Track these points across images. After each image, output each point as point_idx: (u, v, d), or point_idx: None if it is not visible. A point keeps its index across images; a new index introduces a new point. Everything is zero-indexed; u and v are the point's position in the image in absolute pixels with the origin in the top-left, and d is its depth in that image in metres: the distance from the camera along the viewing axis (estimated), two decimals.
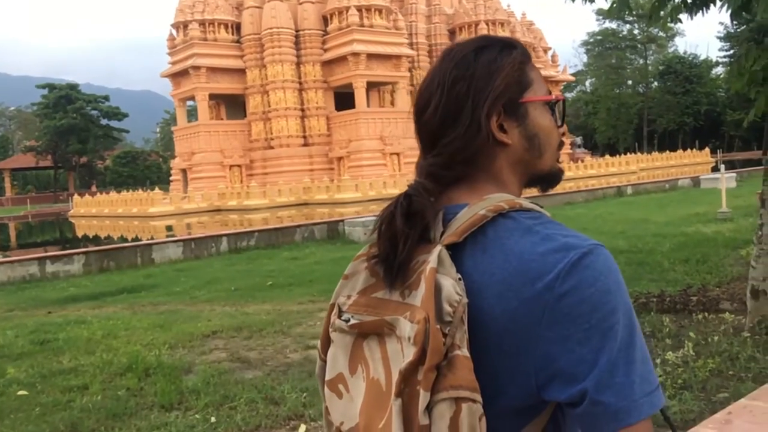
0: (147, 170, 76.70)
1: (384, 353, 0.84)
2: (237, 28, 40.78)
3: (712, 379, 4.35)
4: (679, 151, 52.89)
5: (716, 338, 5.17)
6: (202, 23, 39.59)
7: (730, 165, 38.35)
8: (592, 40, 77.47)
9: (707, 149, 54.29)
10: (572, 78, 64.78)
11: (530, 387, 0.81)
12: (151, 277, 11.46)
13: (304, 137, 40.05)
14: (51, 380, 5.59)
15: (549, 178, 0.98)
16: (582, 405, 0.78)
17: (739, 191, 18.97)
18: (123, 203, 34.70)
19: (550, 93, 0.97)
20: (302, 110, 39.99)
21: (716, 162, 45.34)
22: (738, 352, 4.83)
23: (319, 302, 8.26)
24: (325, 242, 14.96)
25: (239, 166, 39.37)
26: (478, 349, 0.80)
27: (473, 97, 0.90)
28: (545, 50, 58.70)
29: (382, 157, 38.30)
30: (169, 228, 26.30)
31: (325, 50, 40.16)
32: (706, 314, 5.96)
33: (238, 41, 40.65)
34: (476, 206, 0.87)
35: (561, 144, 0.98)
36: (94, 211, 36.83)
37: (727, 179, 19.01)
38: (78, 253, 12.64)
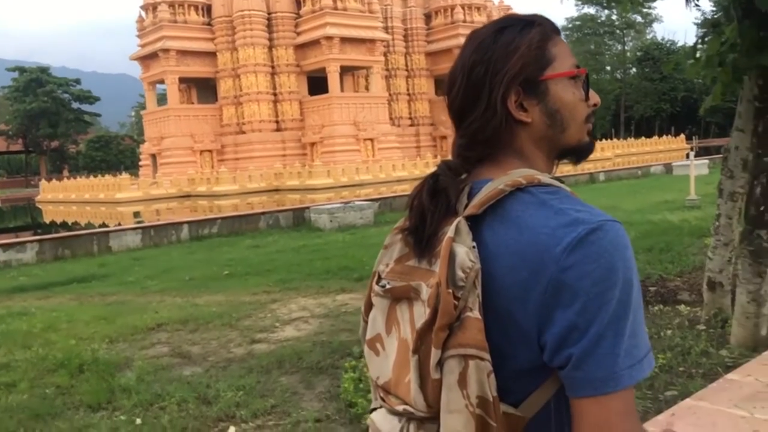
0: (120, 155, 75.46)
1: (411, 315, 0.91)
2: (208, 10, 40.03)
3: (661, 376, 4.18)
4: (655, 138, 53.23)
5: (669, 332, 5.02)
6: (171, 5, 38.78)
7: (706, 151, 38.56)
8: (570, 25, 77.42)
9: (682, 136, 54.68)
10: None
11: (536, 350, 0.86)
12: (105, 266, 11.10)
13: (277, 122, 39.53)
14: None
15: (578, 151, 1.01)
16: (566, 369, 0.83)
17: (711, 178, 18.94)
18: (90, 188, 34.03)
19: (577, 67, 0.98)
20: (274, 95, 39.43)
21: (691, 148, 45.69)
22: (691, 346, 4.68)
23: (274, 293, 8.01)
24: (290, 230, 14.66)
25: (210, 151, 38.80)
26: (490, 312, 0.85)
27: (490, 80, 0.94)
28: None
29: (355, 143, 37.96)
30: (136, 214, 25.81)
31: (298, 33, 39.58)
32: (663, 306, 5.81)
33: (208, 24, 39.92)
34: (497, 181, 0.91)
35: (589, 117, 1.00)
36: (62, 197, 36.10)
37: (698, 166, 19.04)
38: (31, 241, 12.22)
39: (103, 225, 21.90)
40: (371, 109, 39.25)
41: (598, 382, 0.81)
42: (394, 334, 0.95)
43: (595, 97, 1.00)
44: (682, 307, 5.72)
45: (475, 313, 0.84)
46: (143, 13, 40.38)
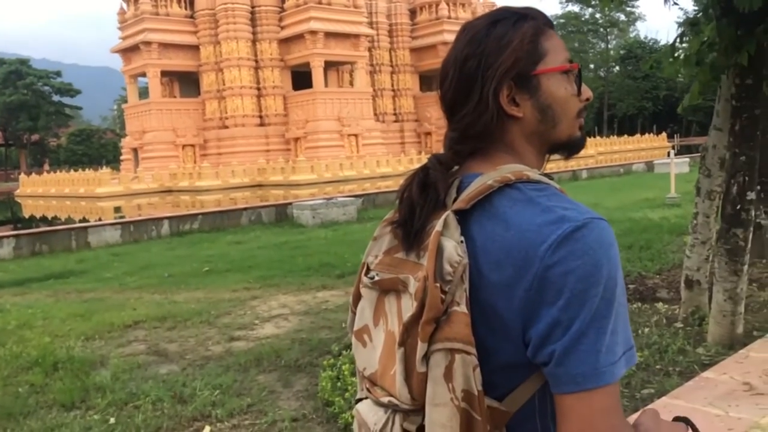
0: (102, 149, 74.76)
1: (399, 308, 0.91)
2: (190, 2, 39.64)
3: (638, 374, 4.19)
4: (637, 136, 53.61)
5: (647, 330, 5.04)
6: None
7: (687, 149, 38.94)
8: (555, 23, 77.46)
9: (664, 134, 55.11)
10: None
11: (520, 346, 0.86)
12: (83, 261, 10.95)
13: (260, 117, 39.28)
14: None
15: (569, 146, 1.01)
16: (549, 365, 0.83)
17: (691, 176, 19.03)
18: (70, 183, 33.60)
19: (570, 61, 0.97)
20: (258, 89, 39.17)
21: (673, 146, 46.07)
22: (668, 344, 4.69)
23: (254, 289, 7.95)
24: (273, 226, 14.57)
25: (192, 145, 38.47)
26: (476, 307, 0.86)
27: (482, 74, 0.93)
28: None
29: (339, 138, 37.83)
30: (117, 209, 25.54)
31: (282, 28, 39.32)
32: (641, 304, 5.84)
33: (191, 16, 39.53)
34: (486, 176, 0.91)
35: (581, 112, 0.99)
36: (41, 191, 35.65)
37: (679, 164, 19.17)
38: (8, 236, 12.03)
39: (84, 220, 21.70)
40: (355, 104, 39.13)
41: (580, 377, 0.82)
42: (381, 326, 0.95)
43: (587, 92, 1.00)
44: (660, 305, 5.75)
45: (462, 308, 0.84)
46: (125, 5, 39.89)
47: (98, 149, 74.18)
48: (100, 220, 19.43)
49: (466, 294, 0.85)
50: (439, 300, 0.84)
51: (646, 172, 25.55)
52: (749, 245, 4.63)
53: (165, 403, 4.34)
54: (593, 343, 0.81)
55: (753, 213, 4.57)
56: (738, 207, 4.50)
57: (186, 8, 39.57)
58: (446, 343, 0.83)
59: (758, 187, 6.97)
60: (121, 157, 42.18)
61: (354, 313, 1.03)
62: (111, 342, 6.03)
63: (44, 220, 25.41)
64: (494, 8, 1.01)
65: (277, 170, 31.22)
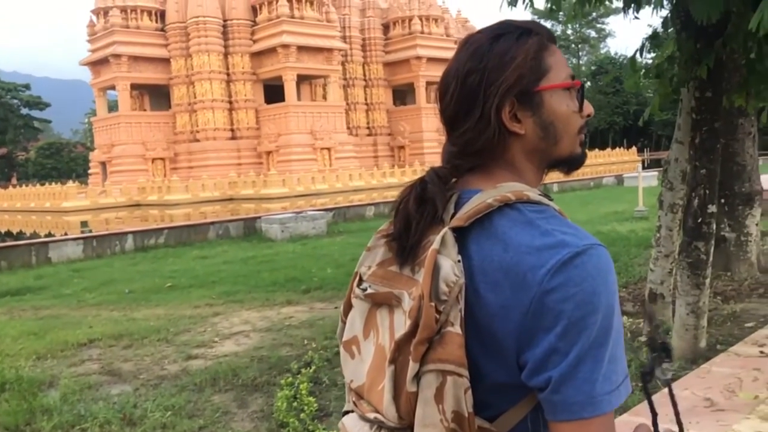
0: (72, 162, 73.63)
1: (391, 323, 0.90)
2: (161, 15, 39.35)
3: None
4: (608, 150, 54.32)
5: None
6: (123, 9, 38.01)
7: (657, 163, 39.50)
8: None
9: (634, 148, 55.94)
10: None
11: (514, 368, 0.85)
12: (42, 278, 10.63)
13: (232, 130, 39.00)
14: None
15: (569, 162, 0.99)
16: (545, 391, 0.82)
17: (659, 189, 19.38)
18: (36, 197, 32.94)
19: (572, 78, 0.96)
20: (230, 102, 38.93)
21: (643, 160, 46.76)
22: (631, 359, 4.62)
23: (216, 306, 7.76)
24: (241, 240, 14.35)
25: (162, 159, 38.02)
26: (471, 327, 0.85)
27: (484, 89, 0.92)
28: None
29: (312, 152, 37.70)
30: (84, 224, 25.05)
31: (254, 41, 39.21)
32: None
33: (162, 29, 39.24)
34: (486, 194, 0.90)
35: (582, 128, 0.98)
36: (6, 205, 34.90)
37: (647, 178, 19.42)
38: None
39: (49, 234, 21.23)
40: (328, 118, 39.07)
41: (576, 406, 0.81)
42: (371, 339, 0.94)
43: (588, 108, 0.98)
44: (625, 319, 5.71)
45: (456, 329, 0.83)
46: (94, 18, 39.48)
47: (68, 163, 73.06)
48: (65, 234, 19.00)
49: (461, 314, 0.84)
50: (434, 320, 0.83)
51: (616, 185, 25.84)
52: (711, 258, 4.61)
53: (113, 426, 4.16)
54: (590, 372, 0.81)
55: (714, 226, 4.56)
56: (699, 220, 4.48)
57: (157, 21, 39.25)
58: (438, 364, 0.82)
59: (722, 201, 7.06)
60: (89, 171, 41.51)
61: (344, 323, 1.02)
62: (63, 361, 5.81)
63: (9, 234, 24.80)
64: (500, 21, 0.99)
65: (249, 184, 30.94)
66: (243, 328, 6.60)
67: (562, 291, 0.81)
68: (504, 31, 0.95)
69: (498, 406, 0.88)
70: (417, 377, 0.83)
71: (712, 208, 4.50)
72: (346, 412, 1.00)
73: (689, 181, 4.60)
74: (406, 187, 0.96)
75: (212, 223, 15.08)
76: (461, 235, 0.88)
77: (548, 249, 0.83)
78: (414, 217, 0.92)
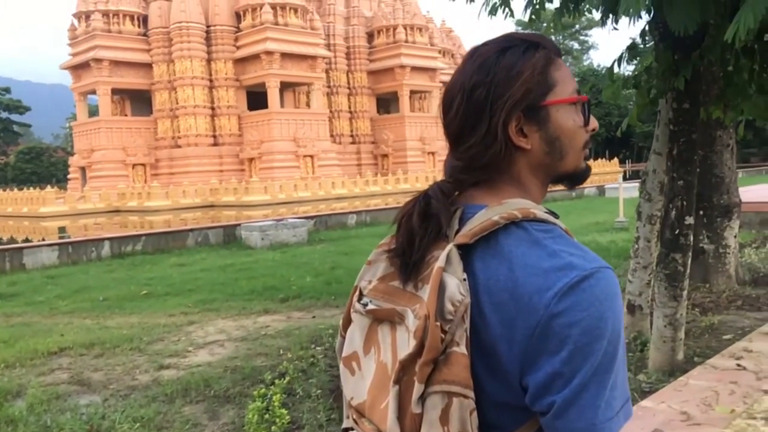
0: (52, 167, 72.80)
1: (393, 340, 0.89)
2: (144, 20, 39.10)
3: None
4: (590, 161, 54.50)
5: None
6: (105, 14, 37.73)
7: (638, 175, 39.80)
8: None
9: (616, 159, 56.43)
10: None
11: (517, 390, 0.84)
12: (15, 284, 10.41)
13: (214, 137, 38.77)
14: None
15: (574, 177, 0.98)
16: (547, 416, 0.82)
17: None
18: (13, 202, 32.46)
19: (578, 92, 0.96)
20: (212, 108, 38.71)
21: (624, 171, 47.16)
22: None
23: (192, 314, 7.63)
24: (220, 247, 14.20)
25: (143, 165, 37.66)
26: (475, 347, 0.84)
27: (491, 104, 0.91)
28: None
29: (295, 159, 37.56)
30: (62, 229, 24.71)
31: (238, 47, 39.06)
32: None
33: (144, 34, 38.98)
34: (492, 210, 0.89)
35: (587, 143, 0.97)
36: None
37: (628, 189, 19.55)
38: None
39: (27, 240, 20.90)
40: (312, 125, 38.98)
41: None
42: (372, 356, 0.93)
43: (593, 123, 0.97)
44: None
45: (462, 349, 0.82)
46: (76, 22, 39.13)
47: (48, 168, 72.23)
48: (43, 240, 18.71)
49: (466, 334, 0.83)
50: (439, 340, 0.82)
51: (597, 196, 26.01)
52: (688, 270, 4.60)
53: None
54: (593, 398, 0.80)
55: (691, 238, 4.54)
56: (677, 232, 4.46)
57: (139, 26, 38.98)
58: (444, 385, 0.81)
59: (701, 212, 7.08)
60: (69, 176, 41.03)
61: (343, 337, 1.01)
62: (32, 370, 5.67)
63: None
64: (506, 34, 0.98)
65: (230, 191, 30.74)
66: (218, 338, 6.49)
67: (569, 315, 0.80)
68: (510, 44, 0.94)
69: (503, 426, 0.87)
70: (422, 398, 0.82)
71: (690, 220, 4.48)
72: (346, 430, 0.99)
73: (666, 193, 4.59)
74: (409, 202, 0.95)
75: (191, 230, 14.90)
76: (466, 252, 0.87)
77: (556, 271, 0.82)
78: (417, 233, 0.91)
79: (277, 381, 4.73)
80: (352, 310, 0.99)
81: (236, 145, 38.75)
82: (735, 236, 7.39)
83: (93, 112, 43.81)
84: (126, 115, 40.20)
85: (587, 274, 0.81)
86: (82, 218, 28.36)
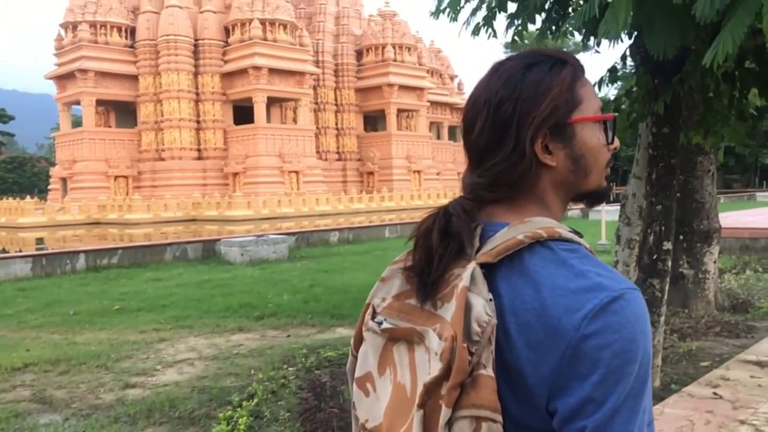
0: (35, 177, 72.21)
1: (412, 360, 0.86)
2: (131, 32, 39.03)
3: None
4: None
5: None
6: (93, 25, 37.62)
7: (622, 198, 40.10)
8: None
9: None
10: None
11: (543, 414, 0.82)
12: None
13: (199, 150, 38.59)
14: None
15: (595, 195, 0.97)
16: None
17: None
18: None
19: (601, 110, 0.95)
20: (198, 122, 38.58)
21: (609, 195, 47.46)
22: None
23: (164, 331, 7.45)
24: (199, 263, 14.00)
25: (125, 177, 37.38)
26: (500, 369, 0.82)
27: (518, 120, 0.89)
28: (451, 77, 60.02)
29: (279, 175, 37.44)
30: (39, 240, 24.34)
31: (226, 62, 39.06)
32: None
33: (131, 46, 38.89)
34: (515, 229, 0.87)
35: (610, 161, 0.96)
36: None
37: (611, 212, 19.62)
38: None
39: (3, 251, 20.57)
40: (297, 141, 38.93)
41: None
42: (387, 376, 0.90)
43: (616, 142, 0.96)
44: None
45: (489, 371, 0.80)
46: (62, 32, 38.97)
47: (30, 178, 71.60)
48: (19, 251, 18.41)
49: (492, 356, 0.81)
50: (467, 362, 0.79)
51: (581, 218, 26.06)
52: (666, 296, 4.53)
53: None
54: (626, 423, 0.78)
55: (669, 263, 4.49)
56: (654, 257, 4.40)
57: (126, 38, 38.89)
58: (473, 410, 0.79)
59: (681, 237, 7.05)
60: (50, 187, 40.60)
61: (355, 357, 0.97)
62: None
63: None
64: (530, 50, 0.95)
65: (213, 205, 30.53)
66: (188, 356, 6.32)
67: (600, 338, 0.78)
68: (536, 59, 0.93)
69: None
70: (449, 423, 0.79)
71: (668, 245, 4.43)
72: None
73: (645, 217, 4.54)
74: (427, 218, 0.92)
75: (169, 244, 14.69)
76: (489, 271, 0.85)
77: (585, 292, 0.80)
78: (437, 251, 0.88)
79: (244, 403, 4.59)
80: (364, 328, 0.95)
81: (221, 159, 38.60)
82: (715, 262, 7.37)
83: (78, 122, 43.50)
84: (110, 127, 39.96)
85: (617, 295, 0.79)
86: (60, 230, 27.99)
